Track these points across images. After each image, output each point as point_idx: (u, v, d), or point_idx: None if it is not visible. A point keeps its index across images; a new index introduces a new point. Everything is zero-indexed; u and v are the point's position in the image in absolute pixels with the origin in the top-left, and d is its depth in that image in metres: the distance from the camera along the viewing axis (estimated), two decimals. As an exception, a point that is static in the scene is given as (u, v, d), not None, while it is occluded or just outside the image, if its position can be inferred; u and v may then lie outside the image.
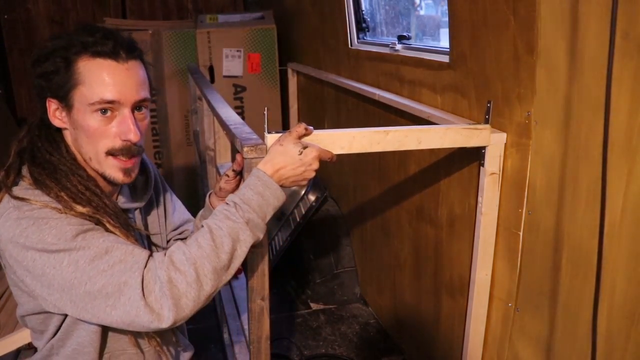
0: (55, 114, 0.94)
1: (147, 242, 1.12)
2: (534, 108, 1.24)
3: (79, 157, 0.97)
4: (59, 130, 0.98)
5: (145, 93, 0.95)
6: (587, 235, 1.13)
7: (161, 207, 1.20)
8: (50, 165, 0.93)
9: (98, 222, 0.91)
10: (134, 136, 0.93)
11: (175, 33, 3.28)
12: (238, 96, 3.29)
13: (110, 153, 0.94)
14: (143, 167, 1.13)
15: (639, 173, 1.01)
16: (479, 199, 1.42)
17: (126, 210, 1.05)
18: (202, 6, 4.01)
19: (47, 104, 0.94)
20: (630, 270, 1.05)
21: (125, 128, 0.92)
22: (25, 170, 0.93)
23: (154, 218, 1.17)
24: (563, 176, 1.19)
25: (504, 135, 1.35)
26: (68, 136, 0.97)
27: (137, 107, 0.95)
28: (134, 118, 0.94)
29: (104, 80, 0.89)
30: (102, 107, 0.90)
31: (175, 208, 1.26)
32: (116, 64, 0.90)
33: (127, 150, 0.94)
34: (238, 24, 3.28)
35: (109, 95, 0.90)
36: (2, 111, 3.55)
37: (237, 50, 3.20)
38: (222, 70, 3.22)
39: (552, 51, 1.17)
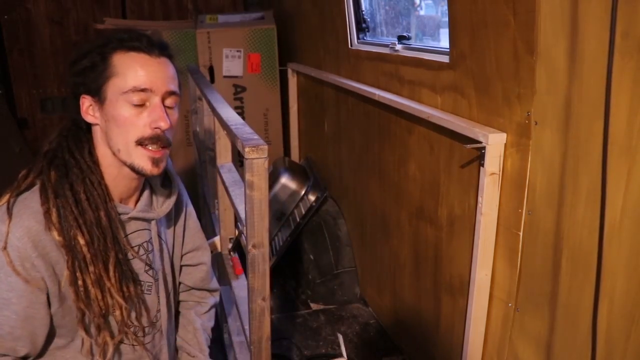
0: (88, 111, 0.97)
1: (151, 256, 1.09)
2: (534, 108, 1.24)
3: (104, 158, 0.99)
4: (89, 131, 1.00)
5: (175, 87, 0.99)
6: (587, 235, 1.13)
7: (180, 227, 1.19)
8: (64, 167, 0.95)
9: (73, 245, 0.92)
10: (164, 123, 0.95)
11: (175, 33, 3.28)
12: (238, 96, 3.29)
13: (140, 142, 0.95)
14: (168, 179, 1.14)
15: (639, 173, 1.01)
16: (479, 199, 1.42)
17: (140, 219, 1.05)
18: (202, 6, 4.01)
19: (81, 101, 0.96)
20: (630, 270, 1.05)
21: (155, 116, 0.95)
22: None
23: (169, 235, 1.16)
24: (563, 176, 1.19)
25: (504, 135, 1.35)
26: (97, 133, 0.99)
27: (167, 102, 0.98)
28: (165, 110, 0.97)
29: (137, 70, 0.93)
30: (136, 97, 0.93)
31: (192, 232, 1.25)
32: (149, 57, 0.95)
33: (157, 139, 0.96)
34: (238, 24, 3.27)
35: (141, 84, 0.93)
36: (2, 111, 3.55)
37: (237, 50, 3.20)
38: (222, 70, 3.22)
39: (552, 51, 1.17)
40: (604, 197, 0.96)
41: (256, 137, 1.14)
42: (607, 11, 0.96)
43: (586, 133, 1.11)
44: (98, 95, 0.95)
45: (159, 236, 1.11)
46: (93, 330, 0.97)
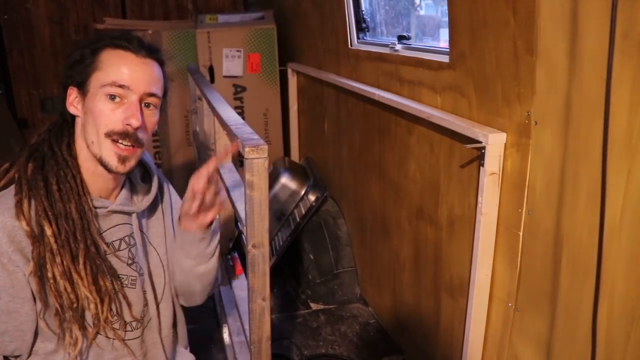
0: (73, 102, 1.00)
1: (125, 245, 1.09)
2: (534, 108, 1.24)
3: (81, 151, 1.01)
4: (73, 125, 1.02)
5: (156, 89, 1.00)
6: (587, 235, 1.13)
7: (168, 219, 1.19)
8: (41, 160, 0.98)
9: (41, 235, 0.93)
10: (135, 121, 0.96)
11: (175, 33, 3.28)
12: (238, 96, 3.29)
13: (109, 135, 0.96)
14: (148, 175, 1.14)
15: (639, 173, 1.01)
16: (479, 199, 1.42)
17: (120, 213, 1.06)
18: (202, 6, 4.01)
19: (68, 92, 1.00)
20: (630, 270, 1.05)
21: (129, 113, 0.96)
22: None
23: (156, 230, 1.16)
24: (563, 176, 1.19)
25: (504, 135, 1.35)
26: (78, 125, 1.01)
27: (146, 103, 0.99)
28: (142, 110, 0.98)
29: (119, 67, 0.96)
30: (113, 90, 0.95)
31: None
32: (134, 56, 0.98)
33: (126, 135, 0.97)
34: (238, 24, 3.27)
35: (120, 80, 0.95)
36: (2, 111, 3.55)
37: (237, 50, 3.20)
38: (222, 70, 3.21)
39: (552, 51, 1.17)
40: (604, 197, 0.96)
41: (256, 137, 1.14)
42: (607, 11, 0.96)
43: (586, 133, 1.11)
44: (82, 88, 0.98)
45: (141, 230, 1.11)
46: (66, 324, 0.97)
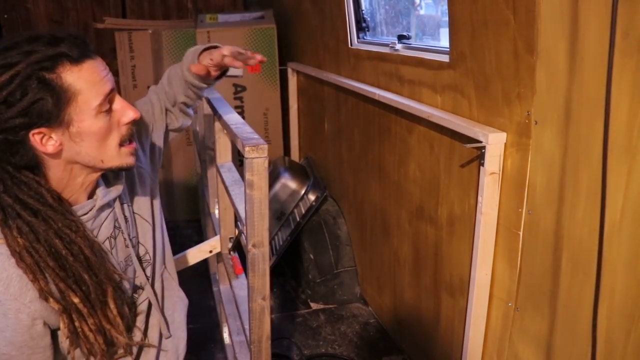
0: (48, 143, 0.85)
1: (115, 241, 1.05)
2: (534, 108, 1.24)
3: (61, 180, 0.91)
4: (34, 170, 0.88)
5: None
6: (587, 235, 1.13)
7: (144, 182, 1.14)
8: (26, 226, 0.85)
9: (70, 305, 0.88)
10: (133, 112, 0.94)
11: (175, 33, 3.28)
12: (238, 96, 3.29)
13: (121, 143, 0.94)
14: None
15: (639, 173, 1.01)
16: (479, 198, 1.42)
17: (107, 205, 1.00)
18: (202, 6, 4.00)
19: (32, 139, 0.83)
20: (630, 270, 1.05)
21: (126, 110, 0.93)
22: None
23: (143, 204, 1.12)
24: (563, 176, 1.19)
25: (504, 135, 1.35)
26: (52, 161, 0.88)
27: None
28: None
29: (95, 79, 0.87)
30: (105, 104, 0.88)
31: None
32: (93, 60, 0.87)
33: (132, 133, 0.96)
34: (238, 24, 3.27)
35: (106, 88, 0.88)
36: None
37: (237, 50, 3.20)
38: (222, 70, 3.21)
39: (552, 51, 1.17)
40: (604, 197, 0.96)
41: (256, 136, 1.14)
42: (607, 11, 0.96)
43: (586, 133, 1.11)
44: (57, 123, 0.84)
45: (130, 207, 1.08)
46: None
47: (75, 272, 0.88)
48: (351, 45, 2.40)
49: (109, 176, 1.03)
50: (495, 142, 1.35)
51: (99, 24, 3.62)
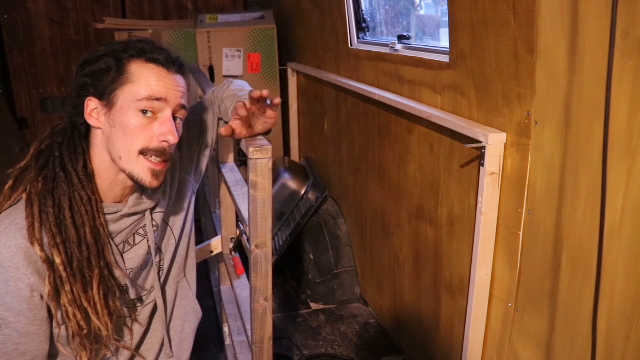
0: (92, 114, 0.95)
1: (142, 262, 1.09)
2: (534, 108, 1.24)
3: (102, 164, 0.97)
4: (86, 135, 0.98)
5: (186, 102, 0.99)
6: (587, 235, 1.13)
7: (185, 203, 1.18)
8: (52, 181, 0.93)
9: (52, 262, 0.91)
10: (172, 137, 0.94)
11: (175, 33, 3.28)
12: (238, 96, 3.29)
13: (143, 152, 0.94)
14: None
15: (639, 173, 1.01)
16: (479, 199, 1.42)
17: (132, 214, 1.03)
18: (202, 6, 4.01)
19: (86, 103, 0.94)
20: (630, 270, 1.05)
21: (165, 129, 0.94)
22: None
23: (176, 215, 1.15)
24: (563, 176, 1.19)
25: (504, 135, 1.35)
26: (98, 137, 0.96)
27: (175, 117, 0.97)
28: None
29: (153, 81, 0.93)
30: (149, 105, 0.92)
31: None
32: (167, 71, 0.96)
33: (162, 152, 0.95)
34: (238, 24, 3.27)
35: (156, 93, 0.93)
36: (2, 111, 3.55)
37: (237, 50, 3.20)
38: (222, 70, 3.22)
39: (552, 51, 1.17)
40: (604, 197, 0.96)
41: (260, 137, 1.15)
42: (607, 11, 0.96)
43: (586, 133, 1.11)
44: (107, 100, 0.93)
45: (164, 220, 1.11)
46: (75, 346, 0.96)
47: (68, 237, 0.92)
48: (351, 45, 2.40)
49: (146, 190, 1.06)
50: (495, 143, 1.35)
51: (99, 24, 3.62)
